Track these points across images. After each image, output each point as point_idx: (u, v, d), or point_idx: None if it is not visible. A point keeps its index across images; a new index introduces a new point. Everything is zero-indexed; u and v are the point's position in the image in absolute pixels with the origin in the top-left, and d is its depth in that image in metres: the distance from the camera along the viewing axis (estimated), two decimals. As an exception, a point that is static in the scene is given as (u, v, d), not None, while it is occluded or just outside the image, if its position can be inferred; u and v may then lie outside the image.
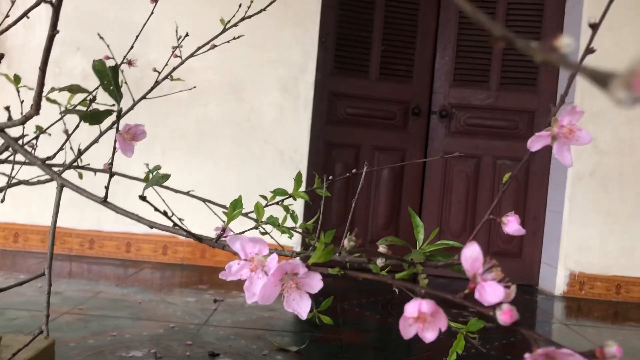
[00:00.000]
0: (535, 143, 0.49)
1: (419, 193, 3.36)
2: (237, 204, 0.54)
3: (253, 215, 1.20)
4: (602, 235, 3.01)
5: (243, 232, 0.51)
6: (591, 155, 3.02)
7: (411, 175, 3.34)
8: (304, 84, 3.02)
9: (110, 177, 0.60)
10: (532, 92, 3.25)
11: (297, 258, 0.42)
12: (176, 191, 1.12)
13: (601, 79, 0.18)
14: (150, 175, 1.08)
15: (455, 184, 3.31)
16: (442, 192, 3.32)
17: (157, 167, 1.07)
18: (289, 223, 1.13)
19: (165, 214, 0.55)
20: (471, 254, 0.36)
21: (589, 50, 0.50)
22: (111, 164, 0.63)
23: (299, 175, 1.06)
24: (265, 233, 1.09)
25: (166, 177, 0.55)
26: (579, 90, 2.99)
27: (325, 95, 3.21)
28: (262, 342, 1.78)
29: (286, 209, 1.07)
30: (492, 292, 0.35)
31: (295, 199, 1.07)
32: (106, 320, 1.89)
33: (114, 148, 0.60)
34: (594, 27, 0.45)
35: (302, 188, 2.92)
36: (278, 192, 1.06)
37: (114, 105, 0.78)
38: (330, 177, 1.10)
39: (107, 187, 0.61)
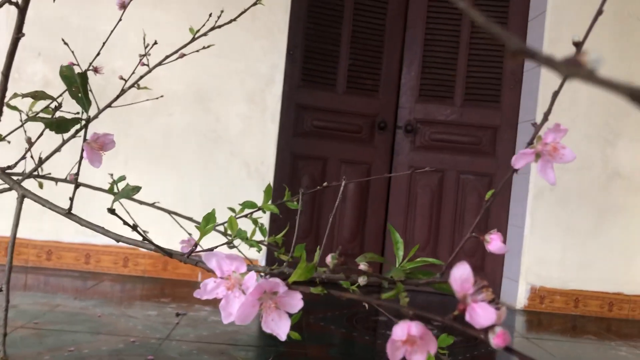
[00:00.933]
0: (519, 160, 0.49)
1: (384, 206, 3.37)
2: (210, 218, 0.52)
3: (220, 228, 1.18)
4: (562, 250, 3.08)
5: (212, 249, 0.49)
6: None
7: (376, 189, 3.35)
8: (271, 96, 3.01)
9: (76, 188, 0.57)
10: (495, 109, 3.31)
11: (273, 277, 0.41)
12: (142, 203, 1.09)
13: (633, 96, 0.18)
14: (115, 187, 1.05)
15: (420, 197, 3.34)
16: (407, 205, 3.34)
17: (122, 178, 1.04)
18: (258, 236, 1.11)
19: (135, 227, 0.53)
20: (461, 275, 0.35)
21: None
22: (77, 174, 0.61)
23: (268, 187, 1.05)
24: (233, 247, 1.06)
25: (137, 189, 0.53)
26: (540, 108, 3.06)
27: (293, 107, 3.21)
28: (226, 357, 1.75)
29: (255, 222, 1.05)
30: (483, 314, 0.34)
31: (264, 212, 1.06)
32: (63, 335, 1.83)
33: (81, 157, 0.58)
34: (578, 45, 0.46)
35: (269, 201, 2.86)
36: (247, 204, 1.04)
37: (79, 113, 0.75)
38: (302, 190, 1.08)
39: (71, 199, 0.58)
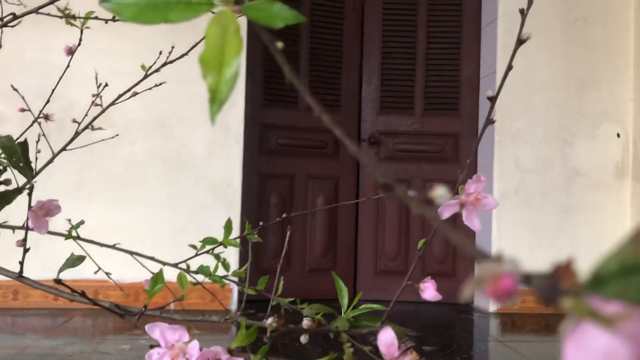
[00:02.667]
0: (445, 211, 0.51)
1: (353, 220, 3.40)
2: (157, 279, 0.52)
3: (190, 261, 1.17)
4: (530, 251, 3.14)
5: (163, 307, 0.50)
6: (514, 174, 3.15)
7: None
8: (233, 117, 3.01)
9: (25, 253, 0.57)
10: (455, 116, 3.37)
11: (218, 346, 0.41)
12: (102, 245, 1.09)
13: (473, 256, 0.20)
14: (73, 232, 1.04)
15: (388, 208, 3.37)
16: (376, 217, 3.37)
17: (80, 223, 1.03)
18: (222, 271, 1.11)
19: (83, 294, 0.53)
20: (386, 339, 0.36)
21: (490, 121, 0.53)
22: (24, 240, 0.60)
23: (228, 222, 1.05)
24: (196, 284, 1.07)
25: (81, 259, 0.53)
26: (498, 112, 3.13)
27: (256, 127, 3.21)
28: (202, 387, 1.73)
29: (217, 257, 1.05)
30: (409, 377, 0.35)
31: (225, 247, 1.06)
32: (34, 378, 1.79)
33: (27, 226, 0.58)
34: (492, 99, 0.48)
35: (237, 228, 2.90)
36: (208, 241, 1.05)
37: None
38: (261, 223, 1.09)
39: (21, 263, 0.58)
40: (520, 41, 0.46)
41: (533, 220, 3.15)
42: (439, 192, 0.21)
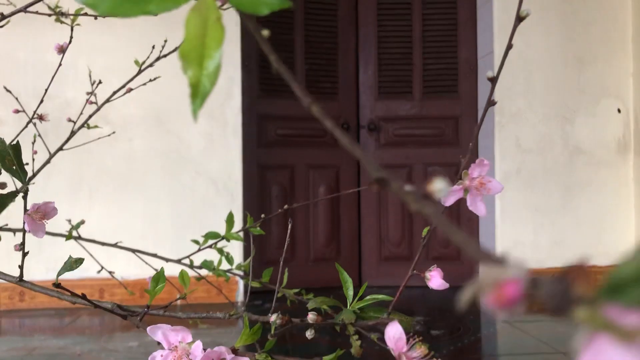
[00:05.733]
0: (448, 198, 0.50)
1: (356, 207, 3.39)
2: (159, 278, 0.51)
3: (194, 256, 1.17)
4: (534, 231, 3.13)
5: (166, 306, 0.49)
6: (515, 154, 3.13)
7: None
8: (231, 110, 2.99)
9: (24, 256, 0.56)
10: (454, 99, 3.35)
11: (222, 346, 0.40)
12: (103, 244, 1.08)
13: (477, 257, 0.18)
14: (73, 232, 1.03)
15: (391, 194, 3.36)
16: (378, 204, 3.36)
17: (80, 223, 1.02)
18: (226, 265, 1.11)
19: (84, 297, 0.52)
20: (394, 334, 0.35)
21: (491, 103, 0.51)
22: (23, 244, 0.59)
23: (230, 216, 1.04)
24: (200, 279, 1.06)
25: (79, 261, 0.52)
26: (497, 92, 3.11)
27: (254, 118, 3.20)
28: (212, 381, 1.74)
29: (220, 251, 1.04)
30: (417, 372, 0.34)
31: (228, 241, 1.05)
32: (43, 379, 1.79)
33: (24, 230, 0.57)
34: (492, 80, 0.47)
35: (239, 221, 2.89)
36: (210, 235, 1.04)
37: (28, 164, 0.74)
38: (263, 215, 1.08)
39: (21, 267, 0.57)
40: (519, 18, 0.44)
41: (536, 200, 3.14)
42: (438, 185, 0.19)
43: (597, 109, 3.19)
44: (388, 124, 3.36)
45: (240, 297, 2.87)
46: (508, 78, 3.10)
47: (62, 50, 0.99)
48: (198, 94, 0.21)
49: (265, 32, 0.23)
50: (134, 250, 1.08)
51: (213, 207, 2.91)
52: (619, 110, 3.20)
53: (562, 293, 0.16)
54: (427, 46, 3.34)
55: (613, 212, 3.17)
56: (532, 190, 3.14)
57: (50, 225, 1.22)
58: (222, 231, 1.10)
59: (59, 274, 0.51)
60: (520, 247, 3.12)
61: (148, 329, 0.42)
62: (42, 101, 1.11)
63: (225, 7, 0.23)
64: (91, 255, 1.23)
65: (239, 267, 1.08)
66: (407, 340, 0.36)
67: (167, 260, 1.07)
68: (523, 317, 2.72)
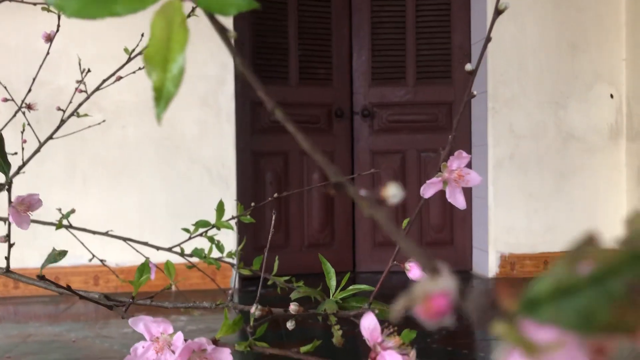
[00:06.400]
0: (427, 190, 0.50)
1: (350, 193, 3.39)
2: (143, 269, 0.52)
3: (185, 244, 1.17)
4: (527, 216, 3.15)
5: (152, 296, 0.49)
6: (509, 139, 3.14)
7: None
8: (224, 96, 2.99)
9: (9, 248, 0.57)
10: (448, 85, 3.34)
11: (203, 337, 0.41)
12: (94, 232, 1.08)
13: (426, 268, 0.19)
14: (64, 221, 1.03)
15: (384, 180, 3.37)
16: (372, 189, 3.37)
17: (71, 212, 1.03)
18: (217, 253, 1.11)
19: (69, 288, 0.53)
20: (369, 324, 0.36)
21: (470, 95, 0.52)
22: (8, 236, 0.60)
23: (220, 204, 1.05)
24: (192, 266, 1.06)
25: (63, 253, 0.53)
26: (490, 78, 3.11)
27: (248, 105, 3.19)
28: (206, 367, 1.75)
29: (211, 240, 1.05)
30: (391, 362, 0.35)
31: (219, 229, 1.06)
32: (38, 366, 1.80)
33: (9, 222, 0.57)
34: (471, 73, 0.47)
35: (233, 208, 2.90)
36: (201, 224, 1.04)
37: (16, 153, 0.74)
38: (253, 204, 1.09)
39: (7, 258, 0.57)
40: (498, 12, 0.45)
41: (529, 186, 3.16)
42: (391, 191, 0.20)
43: (590, 94, 3.20)
44: (382, 110, 3.36)
45: (234, 283, 2.88)
46: (502, 64, 3.10)
47: (49, 38, 0.98)
48: (162, 97, 0.22)
49: (233, 34, 0.23)
50: (124, 239, 1.09)
51: (207, 194, 2.92)
52: (611, 96, 3.20)
53: (487, 307, 0.16)
54: (421, 32, 3.33)
55: (605, 197, 3.19)
56: (525, 175, 3.15)
57: (44, 212, 1.23)
58: (214, 219, 1.11)
59: (43, 265, 0.52)
60: (513, 233, 3.14)
61: (130, 321, 0.43)
62: (30, 90, 1.11)
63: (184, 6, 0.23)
64: (82, 243, 1.24)
65: (229, 254, 1.09)
66: (382, 330, 0.37)
67: (157, 248, 1.08)
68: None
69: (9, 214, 0.56)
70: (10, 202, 0.56)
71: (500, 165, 3.13)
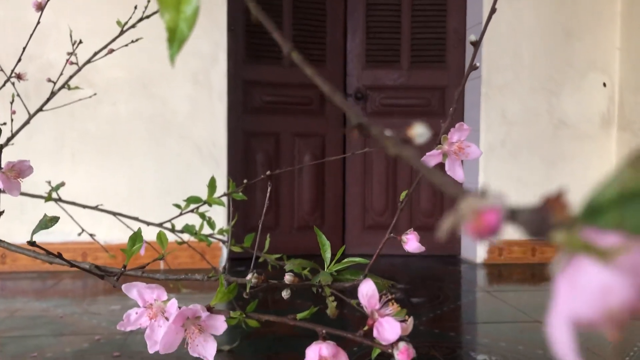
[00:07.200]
0: (428, 162, 0.49)
1: (341, 176, 3.39)
2: (136, 238, 0.51)
3: (177, 220, 1.16)
4: (517, 202, 3.16)
5: (143, 267, 0.49)
6: (501, 126, 3.14)
7: (332, 160, 3.36)
8: (216, 75, 2.96)
9: (-2, 215, 0.56)
10: (442, 69, 3.33)
11: (197, 304, 0.40)
12: (84, 206, 1.07)
13: (455, 196, 0.18)
14: (54, 194, 1.02)
15: (375, 163, 3.37)
16: (363, 173, 3.37)
17: (60, 185, 1.01)
18: (208, 230, 1.11)
19: (60, 256, 0.52)
20: (367, 291, 0.36)
21: (473, 67, 0.51)
22: (-3, 202, 0.58)
23: (212, 180, 1.04)
24: (182, 243, 1.06)
25: (55, 219, 0.52)
26: (485, 64, 3.10)
27: (240, 84, 3.16)
28: (193, 345, 1.75)
29: (202, 216, 1.04)
30: (389, 328, 0.35)
31: (210, 205, 1.05)
32: (25, 340, 1.79)
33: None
34: (475, 44, 0.46)
35: (224, 186, 2.87)
36: (192, 200, 1.03)
37: (5, 123, 0.73)
38: (245, 180, 1.08)
39: (-4, 226, 0.56)
40: (493, 10, 0.44)
41: (520, 172, 3.17)
42: (418, 130, 0.19)
43: (583, 82, 3.20)
44: (375, 93, 3.35)
45: (224, 262, 2.88)
46: (496, 50, 3.09)
47: (40, 7, 0.96)
48: (175, 39, 0.21)
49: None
50: (114, 214, 1.08)
51: (197, 173, 2.90)
52: (604, 84, 3.21)
53: (540, 219, 0.16)
54: (416, 15, 3.31)
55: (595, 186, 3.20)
56: (516, 162, 3.16)
57: (32, 187, 1.21)
58: (205, 197, 1.10)
59: (34, 232, 0.51)
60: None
61: (123, 286, 0.42)
62: (20, 60, 1.09)
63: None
64: (71, 217, 1.22)
65: (220, 231, 1.08)
66: (380, 298, 0.36)
67: (148, 224, 1.07)
68: (502, 287, 2.75)
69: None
70: (0, 168, 0.55)
71: (492, 151, 3.13)
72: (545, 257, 3.17)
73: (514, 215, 0.16)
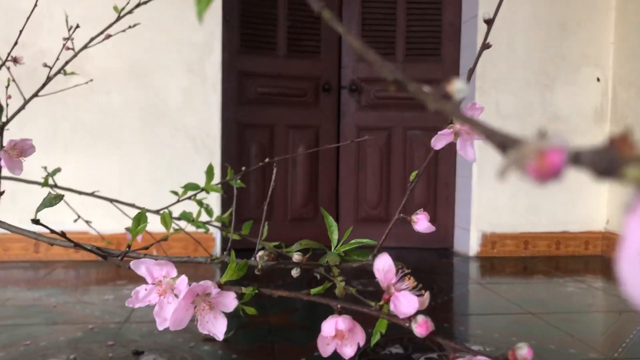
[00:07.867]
0: (438, 141, 0.49)
1: (334, 169, 3.39)
2: (141, 217, 0.51)
3: (173, 208, 1.16)
4: (511, 196, 3.18)
5: (147, 247, 0.48)
6: (495, 120, 3.15)
7: (326, 152, 3.36)
8: (211, 65, 2.94)
9: (-1, 195, 0.55)
10: (437, 62, 3.33)
11: (208, 280, 0.40)
12: (80, 193, 1.06)
13: (503, 145, 0.18)
14: (50, 179, 1.01)
15: (369, 156, 3.37)
16: (357, 165, 3.37)
17: (57, 170, 1.01)
18: (204, 217, 1.10)
19: (63, 235, 0.51)
20: (383, 266, 0.35)
21: (486, 46, 0.51)
22: (-2, 183, 0.58)
23: (210, 168, 1.03)
24: (179, 230, 1.05)
25: (59, 197, 0.51)
26: (480, 58, 3.10)
27: (234, 75, 3.15)
28: (189, 334, 1.75)
29: (200, 203, 1.04)
30: (407, 303, 0.35)
31: (208, 192, 1.04)
32: (18, 329, 1.78)
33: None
34: (488, 22, 0.46)
35: (217, 176, 2.87)
36: (189, 186, 1.03)
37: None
38: (244, 168, 1.07)
39: (-3, 206, 0.56)
40: (488, 22, 0.44)
41: (513, 166, 3.17)
42: (457, 85, 0.19)
43: (577, 77, 3.21)
44: (369, 86, 3.35)
45: (217, 252, 2.87)
46: (491, 43, 3.09)
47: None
48: (204, -3, 0.21)
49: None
50: (111, 200, 1.07)
51: (191, 163, 2.89)
52: (598, 79, 3.22)
53: (608, 159, 0.15)
54: (411, 8, 3.30)
55: (587, 180, 3.22)
56: (509, 156, 3.17)
57: (24, 175, 1.20)
58: (201, 186, 1.10)
59: (38, 209, 0.51)
60: (496, 212, 3.16)
61: (131, 263, 0.42)
62: (16, 43, 1.07)
63: None
64: (68, 204, 1.21)
65: (218, 219, 1.08)
66: (397, 272, 0.36)
67: (145, 210, 1.06)
68: (495, 279, 2.76)
69: (0, 159, 0.54)
70: (1, 146, 0.54)
71: (486, 145, 3.14)
72: (537, 250, 3.19)
73: (577, 156, 0.16)
